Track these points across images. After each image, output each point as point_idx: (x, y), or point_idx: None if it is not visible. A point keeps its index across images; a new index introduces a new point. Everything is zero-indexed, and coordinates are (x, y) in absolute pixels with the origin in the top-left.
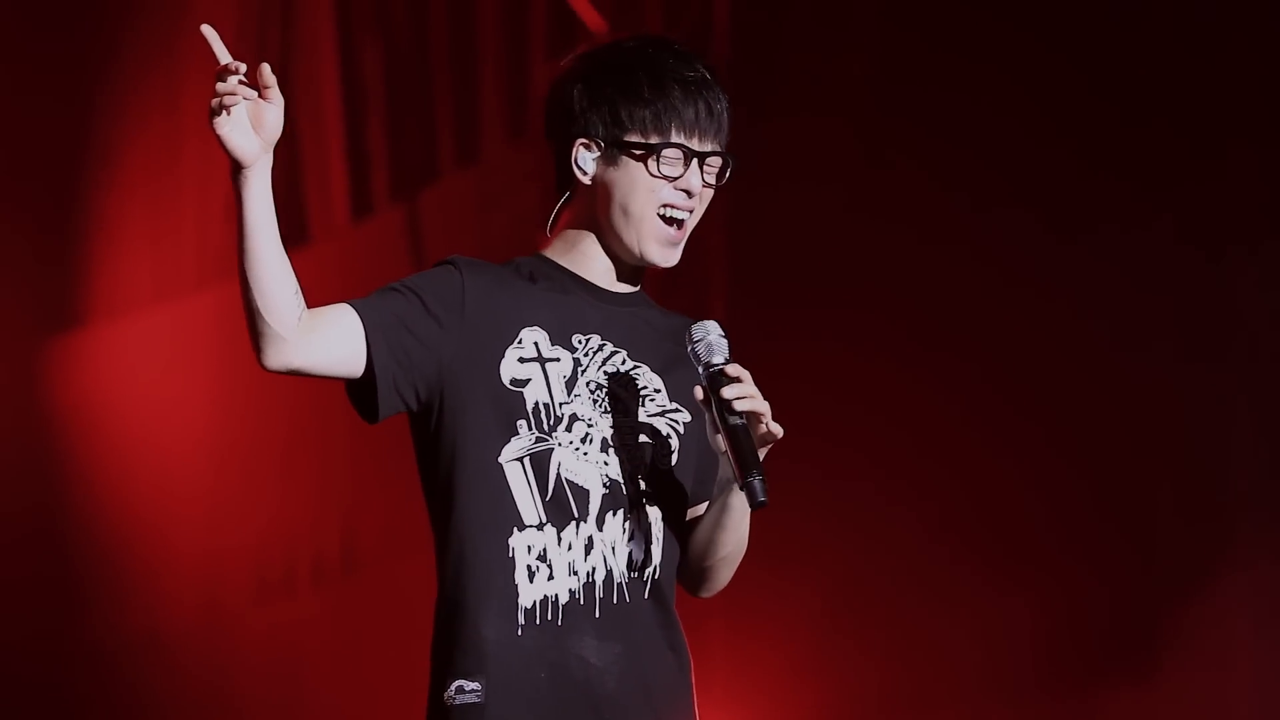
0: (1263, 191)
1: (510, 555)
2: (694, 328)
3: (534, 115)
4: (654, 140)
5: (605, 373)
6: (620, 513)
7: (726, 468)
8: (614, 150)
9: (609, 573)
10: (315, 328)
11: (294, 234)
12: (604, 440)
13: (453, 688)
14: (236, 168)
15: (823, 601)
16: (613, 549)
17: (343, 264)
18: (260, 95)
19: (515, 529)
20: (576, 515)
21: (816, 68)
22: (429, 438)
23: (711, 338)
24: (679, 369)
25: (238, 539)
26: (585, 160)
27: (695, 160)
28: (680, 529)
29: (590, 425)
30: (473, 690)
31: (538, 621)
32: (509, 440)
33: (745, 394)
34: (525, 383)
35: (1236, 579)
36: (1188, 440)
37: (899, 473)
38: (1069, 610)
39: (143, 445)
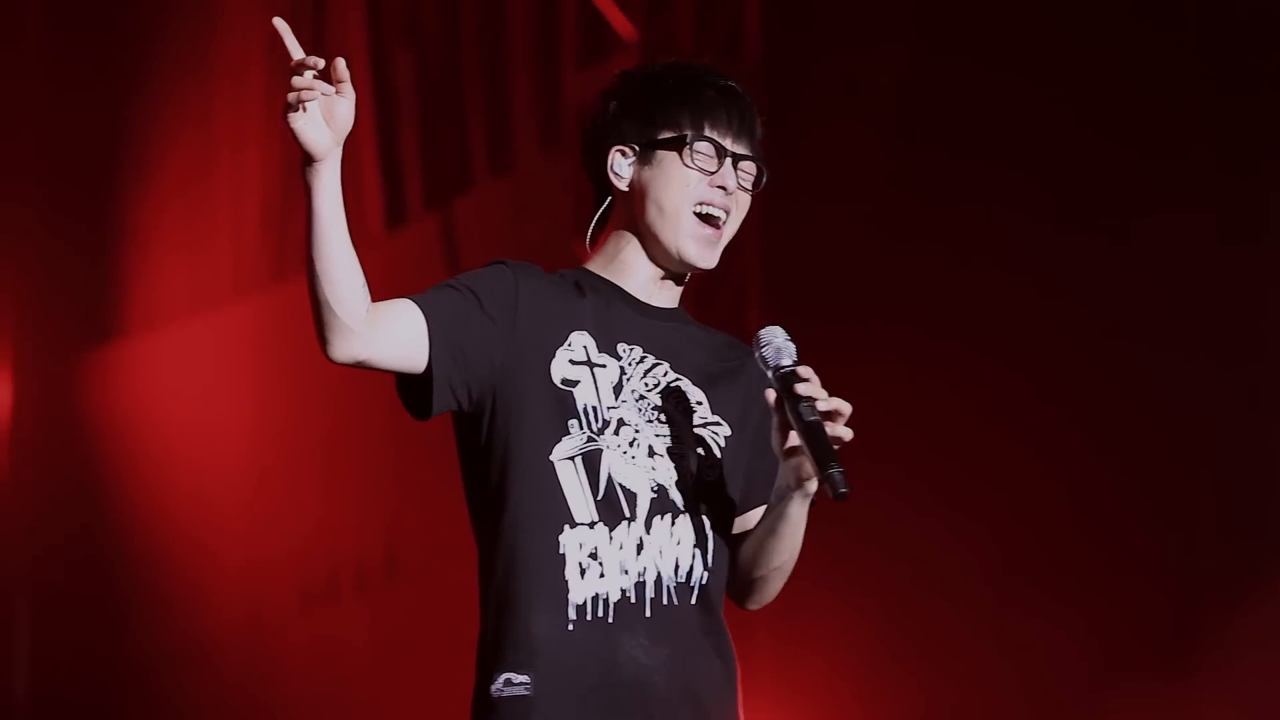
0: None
1: (561, 552)
2: (761, 333)
3: (566, 124)
4: (686, 133)
5: (648, 383)
6: (668, 518)
7: (786, 476)
8: (648, 151)
9: (659, 574)
10: (381, 321)
11: None
12: (650, 447)
13: (500, 680)
14: (308, 160)
15: (868, 617)
16: (661, 553)
17: (377, 273)
18: (334, 89)
19: (567, 526)
20: (628, 515)
21: (846, 76)
22: (479, 437)
23: (779, 341)
24: (720, 384)
25: (280, 549)
26: (621, 166)
27: (729, 160)
28: (725, 540)
29: (637, 431)
30: (521, 683)
31: (589, 618)
32: (561, 439)
33: (820, 394)
34: (575, 384)
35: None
36: (1229, 456)
37: (941, 490)
38: (1114, 630)
39: (183, 456)
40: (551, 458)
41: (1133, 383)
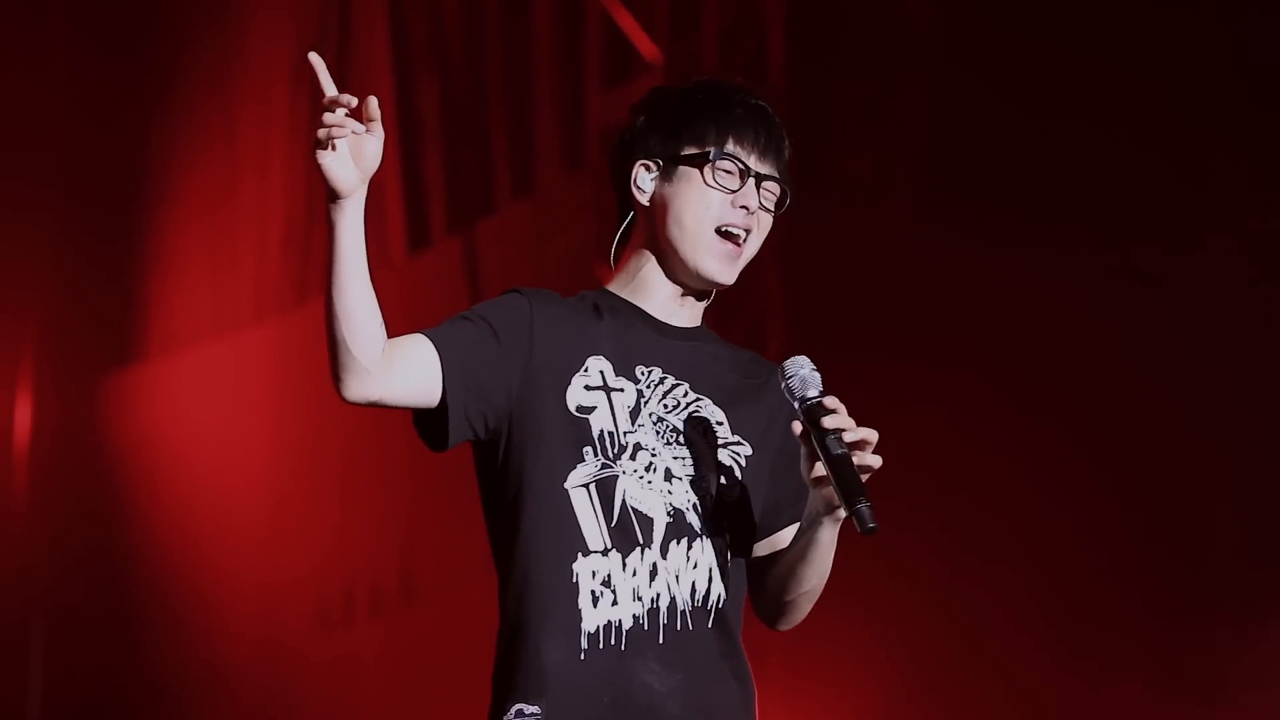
0: None
1: (574, 580)
2: (786, 364)
3: (589, 146)
4: (710, 149)
5: (667, 405)
6: (684, 542)
7: (816, 503)
8: (671, 166)
9: (673, 600)
10: (395, 359)
11: None
12: (667, 470)
13: (512, 711)
14: (333, 197)
15: (880, 645)
16: (676, 577)
17: (400, 295)
18: (363, 126)
19: (580, 554)
20: (641, 542)
21: (872, 105)
22: (495, 464)
23: (805, 372)
24: (741, 403)
25: (297, 572)
26: (644, 180)
27: (752, 179)
28: (745, 561)
29: (654, 455)
30: (532, 714)
31: (601, 646)
32: (575, 466)
33: (847, 425)
34: (591, 410)
35: None
36: (1244, 483)
37: (959, 523)
38: (1129, 659)
39: (202, 480)
40: (566, 485)
41: (1152, 415)
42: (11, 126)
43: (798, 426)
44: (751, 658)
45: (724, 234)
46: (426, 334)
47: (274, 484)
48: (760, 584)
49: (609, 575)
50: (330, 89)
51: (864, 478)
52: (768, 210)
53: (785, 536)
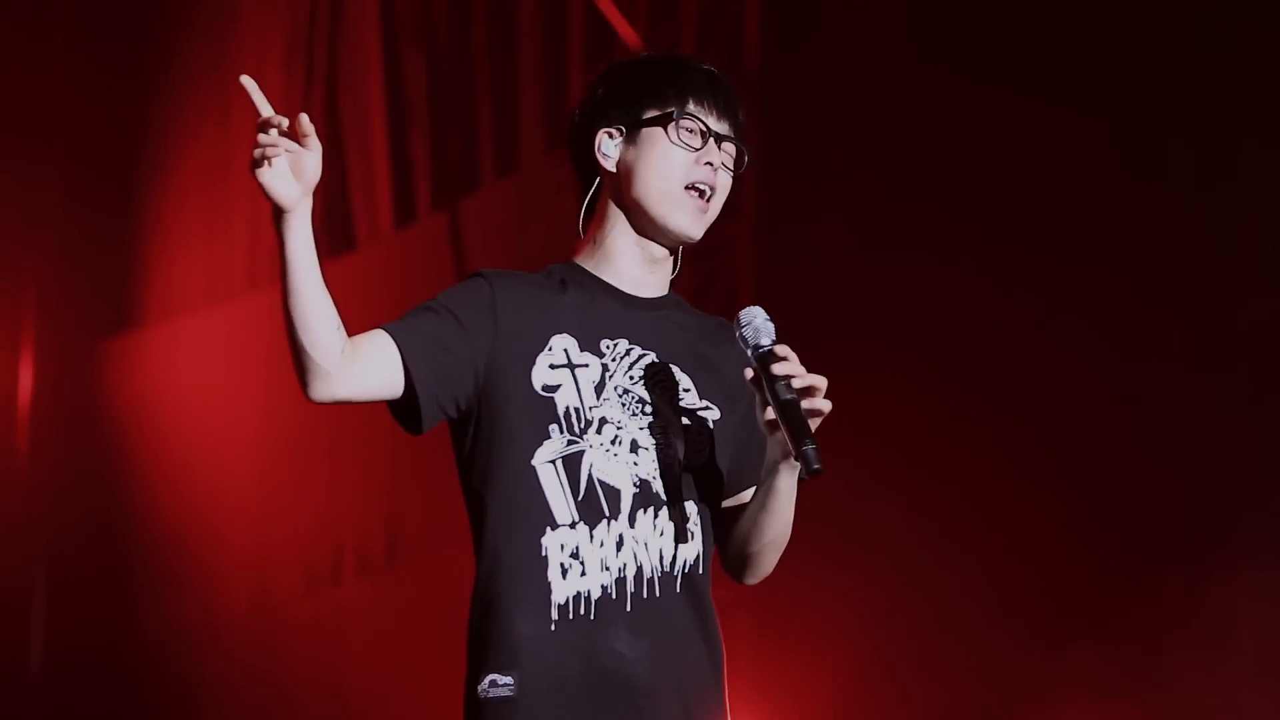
0: (1264, 206)
1: (543, 554)
2: (741, 314)
3: (568, 130)
4: (672, 109)
5: (632, 376)
6: (651, 510)
7: (774, 451)
8: (635, 130)
9: (639, 568)
10: (356, 359)
11: (341, 241)
12: (633, 441)
13: (486, 681)
14: (278, 213)
15: (847, 613)
16: (645, 545)
17: (387, 270)
18: (299, 144)
19: (548, 528)
20: (608, 514)
21: (842, 88)
22: (467, 443)
23: (758, 321)
24: (708, 368)
25: (287, 533)
26: (609, 147)
27: (713, 140)
28: (715, 522)
29: (619, 428)
30: (505, 684)
31: (570, 617)
32: (542, 443)
33: (796, 371)
34: (556, 388)
35: (1240, 582)
36: (1196, 452)
37: (921, 494)
38: (1082, 620)
39: (196, 442)
40: (533, 462)
41: (1107, 387)
42: (14, 104)
43: (749, 373)
44: (722, 622)
45: (691, 189)
46: (387, 329)
47: (265, 448)
48: (726, 538)
49: (577, 547)
50: (265, 109)
51: (815, 423)
52: (728, 170)
53: (748, 496)
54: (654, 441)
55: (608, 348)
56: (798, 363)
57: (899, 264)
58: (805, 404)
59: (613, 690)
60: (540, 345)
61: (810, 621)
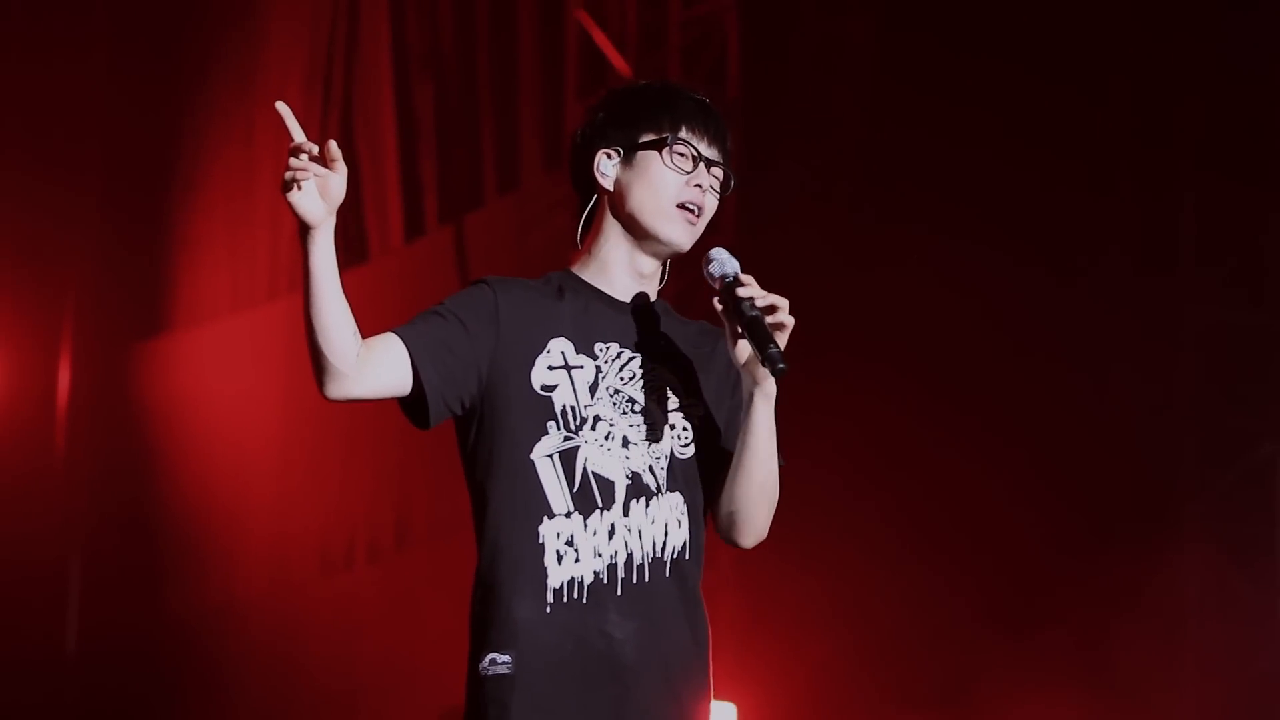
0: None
1: (540, 541)
2: (709, 252)
3: (568, 148)
4: (666, 134)
5: (623, 377)
6: (643, 500)
7: (747, 383)
8: (631, 153)
9: (630, 555)
10: (369, 360)
11: (355, 253)
12: (624, 438)
13: (486, 660)
14: (304, 229)
15: (825, 595)
16: (637, 533)
17: (398, 279)
18: (327, 168)
19: (545, 517)
20: (601, 504)
21: (815, 111)
22: (471, 438)
23: (723, 257)
24: (693, 368)
25: (303, 522)
26: (606, 166)
27: (703, 164)
28: (702, 512)
29: (612, 425)
30: (504, 663)
31: (565, 600)
32: (540, 439)
33: (758, 294)
34: (554, 388)
35: (1184, 561)
36: (1143, 444)
37: (896, 489)
38: (1041, 601)
39: (220, 439)
40: (531, 456)
41: (1066, 387)
42: (55, 117)
43: (718, 303)
44: (708, 606)
45: (682, 207)
46: (397, 332)
47: (283, 443)
48: (718, 499)
49: (572, 536)
50: (298, 135)
51: (782, 339)
52: (715, 192)
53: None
54: (644, 437)
55: (601, 350)
56: (758, 287)
57: (868, 275)
58: (769, 319)
59: (602, 669)
60: (539, 348)
61: (792, 606)
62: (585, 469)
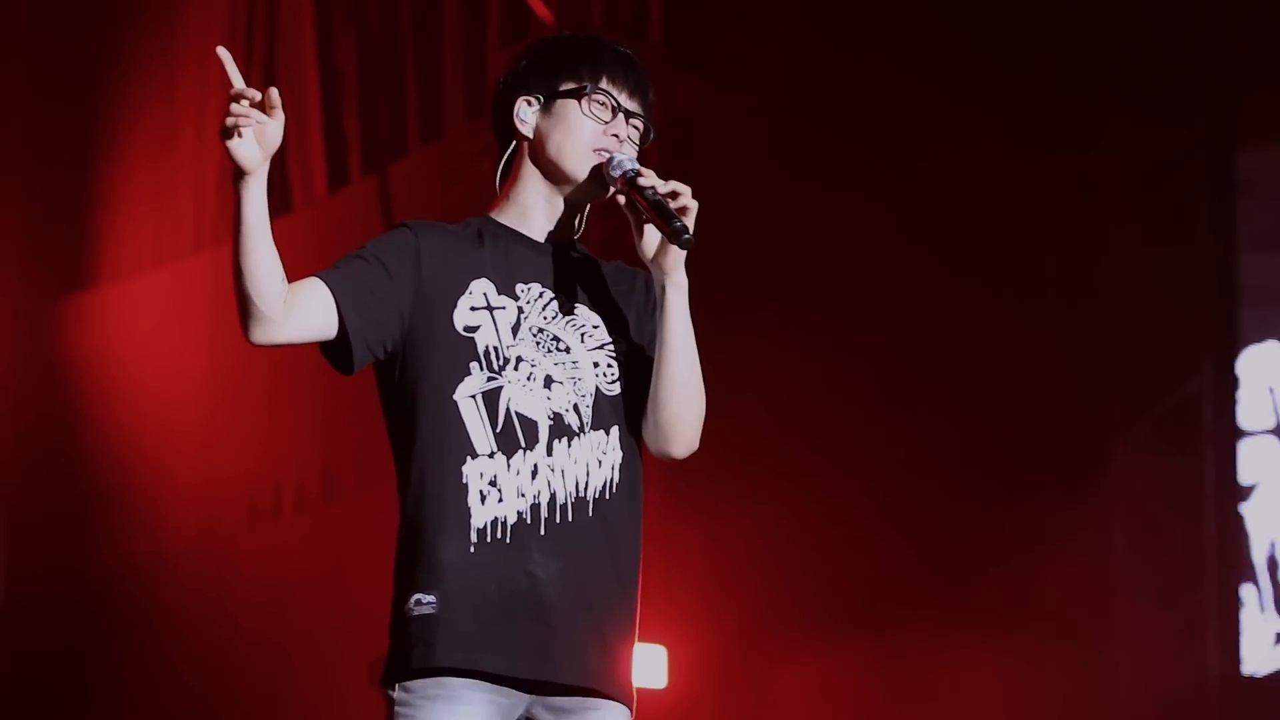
0: (1143, 163)
1: (464, 481)
2: (608, 158)
3: (490, 97)
4: (586, 84)
5: (546, 316)
6: (565, 440)
7: (657, 276)
8: (551, 100)
9: (553, 495)
10: (294, 305)
11: (278, 204)
12: (547, 377)
13: (412, 600)
14: (239, 176)
15: (759, 535)
16: (561, 473)
17: (321, 230)
18: (267, 115)
19: (469, 457)
20: (524, 444)
21: (741, 55)
22: (393, 381)
23: (621, 158)
24: (614, 306)
25: (230, 471)
26: (526, 114)
27: (622, 115)
28: (632, 451)
29: (534, 365)
30: (429, 602)
31: (488, 540)
32: (463, 380)
33: (658, 182)
34: (476, 329)
35: (1113, 499)
36: (1070, 380)
37: (829, 431)
38: (968, 531)
39: (146, 391)
40: (454, 397)
41: (988, 324)
42: None
43: (622, 199)
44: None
45: (598, 151)
46: (321, 277)
47: (209, 394)
48: (644, 416)
49: (495, 476)
50: (238, 82)
51: (690, 221)
52: (634, 143)
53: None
54: (568, 375)
55: (522, 291)
56: (657, 177)
57: (793, 221)
58: (674, 203)
59: (526, 608)
60: (461, 289)
61: (723, 545)
62: (508, 409)
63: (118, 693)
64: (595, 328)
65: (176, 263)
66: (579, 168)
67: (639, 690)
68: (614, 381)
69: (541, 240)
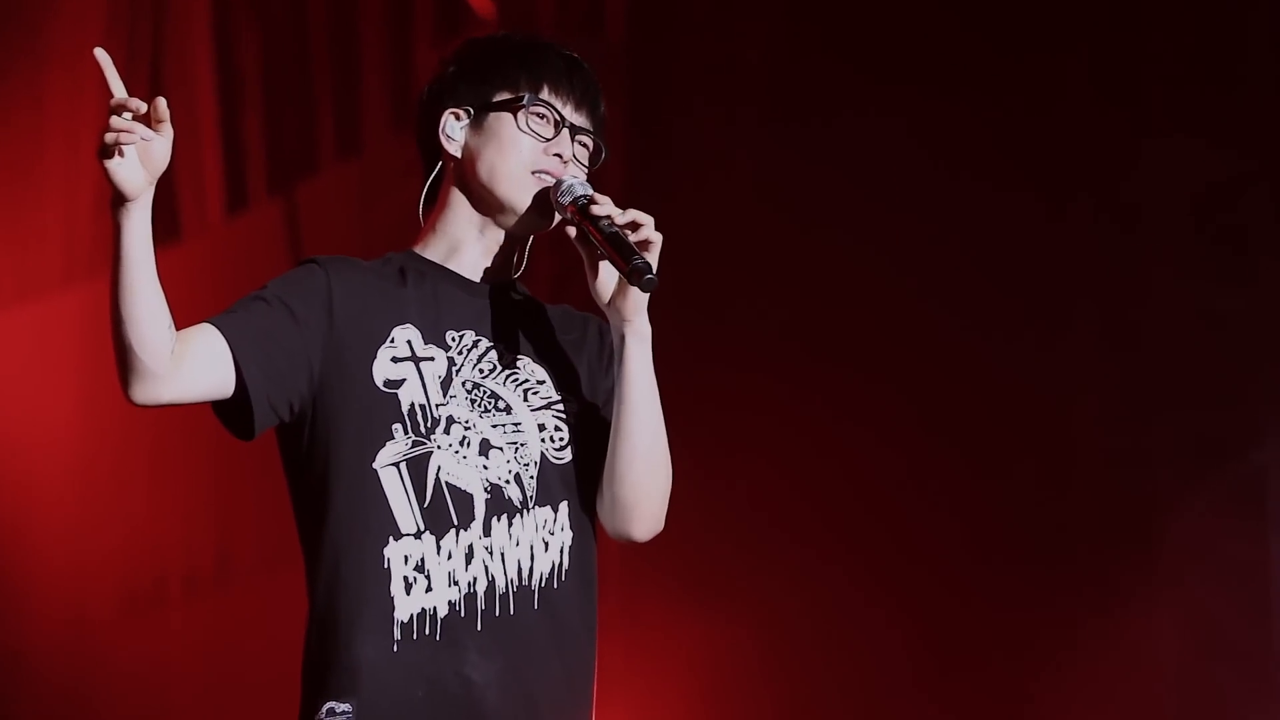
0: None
1: (386, 566)
2: (556, 183)
3: (415, 109)
4: (523, 94)
5: (482, 369)
6: (504, 517)
7: (614, 323)
8: (483, 114)
9: (491, 583)
10: (183, 358)
11: (165, 230)
12: (484, 441)
13: (323, 710)
14: (119, 201)
15: (732, 628)
16: (501, 557)
17: (216, 262)
18: (153, 129)
19: (391, 538)
20: (457, 522)
21: (718, 59)
22: (300, 447)
23: (572, 182)
24: (562, 358)
25: (104, 547)
26: (454, 129)
27: (566, 131)
28: (583, 527)
29: (468, 427)
30: (344, 713)
31: (415, 636)
32: (384, 445)
33: (614, 211)
34: (399, 383)
35: (1158, 580)
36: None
37: (815, 506)
38: (986, 647)
39: (3, 449)
40: (374, 465)
41: (1006, 377)
42: None
43: (572, 231)
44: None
45: (538, 174)
46: (216, 324)
47: (80, 453)
48: (600, 489)
49: (422, 559)
50: (119, 90)
51: (653, 259)
52: (581, 164)
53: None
54: (509, 440)
55: (454, 340)
56: (614, 205)
57: (775, 260)
58: (634, 236)
59: (459, 717)
60: (381, 338)
61: (693, 641)
62: (438, 479)
63: None
64: (540, 383)
65: (42, 298)
66: (515, 193)
67: None
68: (563, 447)
69: (476, 279)
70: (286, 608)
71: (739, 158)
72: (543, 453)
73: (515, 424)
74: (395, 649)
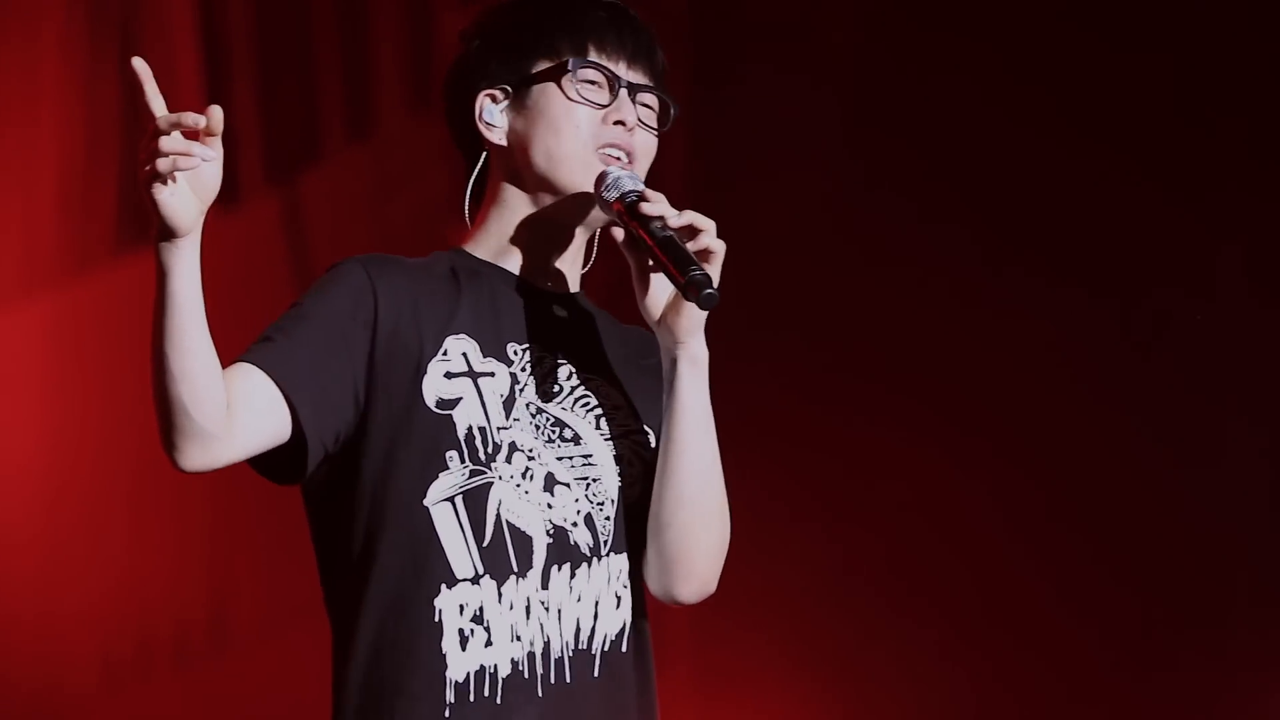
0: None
1: (437, 619)
2: (601, 175)
3: (440, 78)
4: (567, 59)
5: (548, 391)
6: (567, 567)
7: (665, 341)
8: (523, 90)
9: (548, 644)
10: (236, 410)
11: (145, 231)
12: (549, 475)
13: None
14: (168, 235)
15: (791, 657)
16: (559, 614)
17: (204, 268)
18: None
19: (444, 585)
20: (516, 569)
21: (792, 20)
22: (332, 484)
23: (619, 175)
24: (640, 383)
25: (78, 604)
26: (493, 114)
27: (624, 90)
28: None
29: (531, 458)
30: None
31: (471, 699)
32: (437, 477)
33: (668, 212)
34: (455, 403)
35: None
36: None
37: (888, 537)
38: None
39: None
40: (425, 502)
41: (1115, 431)
42: None
43: (619, 233)
44: (663, 699)
45: (607, 158)
46: (258, 363)
47: (47, 493)
48: (648, 543)
49: (481, 608)
50: (160, 107)
51: (714, 272)
52: (649, 128)
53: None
54: (575, 476)
55: (516, 354)
56: (669, 205)
57: (863, 262)
58: (692, 244)
59: None
60: (433, 350)
61: (755, 675)
62: (499, 516)
63: None
64: (616, 409)
65: (1, 309)
66: (581, 177)
67: None
68: (633, 485)
69: (538, 284)
70: (293, 677)
71: (820, 147)
72: (620, 489)
73: (585, 456)
74: (448, 714)
